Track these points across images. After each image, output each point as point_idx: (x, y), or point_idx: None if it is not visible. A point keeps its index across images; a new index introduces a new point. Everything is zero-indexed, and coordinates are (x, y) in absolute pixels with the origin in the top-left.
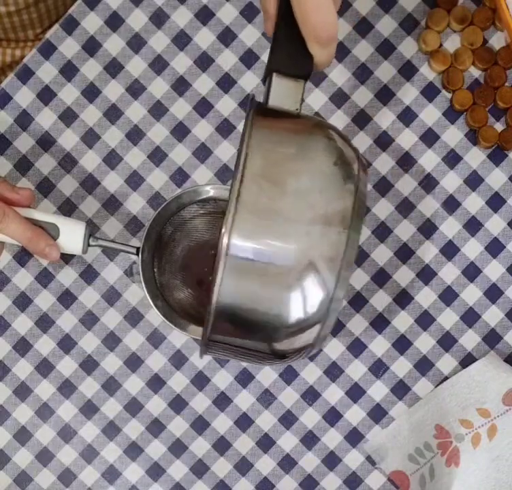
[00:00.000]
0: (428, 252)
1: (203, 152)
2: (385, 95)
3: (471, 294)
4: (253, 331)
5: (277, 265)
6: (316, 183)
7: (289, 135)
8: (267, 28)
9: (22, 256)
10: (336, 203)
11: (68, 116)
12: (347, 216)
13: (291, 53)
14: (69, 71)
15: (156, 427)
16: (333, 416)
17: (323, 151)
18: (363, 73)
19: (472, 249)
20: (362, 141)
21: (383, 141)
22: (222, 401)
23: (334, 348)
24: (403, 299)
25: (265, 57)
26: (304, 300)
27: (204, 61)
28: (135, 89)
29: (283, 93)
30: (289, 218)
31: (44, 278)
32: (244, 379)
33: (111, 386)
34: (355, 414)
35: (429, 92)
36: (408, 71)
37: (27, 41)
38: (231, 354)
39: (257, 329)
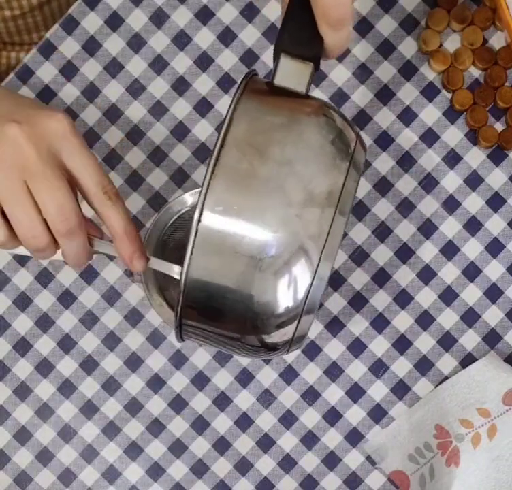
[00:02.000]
0: (428, 252)
1: (203, 152)
2: (385, 95)
3: (471, 294)
4: (225, 314)
5: (251, 238)
6: (302, 155)
7: (281, 106)
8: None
9: (22, 256)
10: (323, 177)
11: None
12: (335, 193)
13: (300, 34)
14: (69, 71)
15: (156, 427)
16: (333, 416)
17: (314, 125)
18: (363, 73)
19: (472, 249)
20: None
21: (383, 141)
22: (222, 401)
23: (334, 348)
24: (403, 299)
25: (265, 57)
26: (273, 284)
27: (204, 61)
28: (135, 89)
29: (289, 74)
30: (269, 187)
31: (44, 277)
32: (244, 379)
33: (111, 386)
34: (355, 414)
35: (429, 92)
36: (408, 71)
37: (32, 44)
38: (209, 340)
39: (229, 311)
